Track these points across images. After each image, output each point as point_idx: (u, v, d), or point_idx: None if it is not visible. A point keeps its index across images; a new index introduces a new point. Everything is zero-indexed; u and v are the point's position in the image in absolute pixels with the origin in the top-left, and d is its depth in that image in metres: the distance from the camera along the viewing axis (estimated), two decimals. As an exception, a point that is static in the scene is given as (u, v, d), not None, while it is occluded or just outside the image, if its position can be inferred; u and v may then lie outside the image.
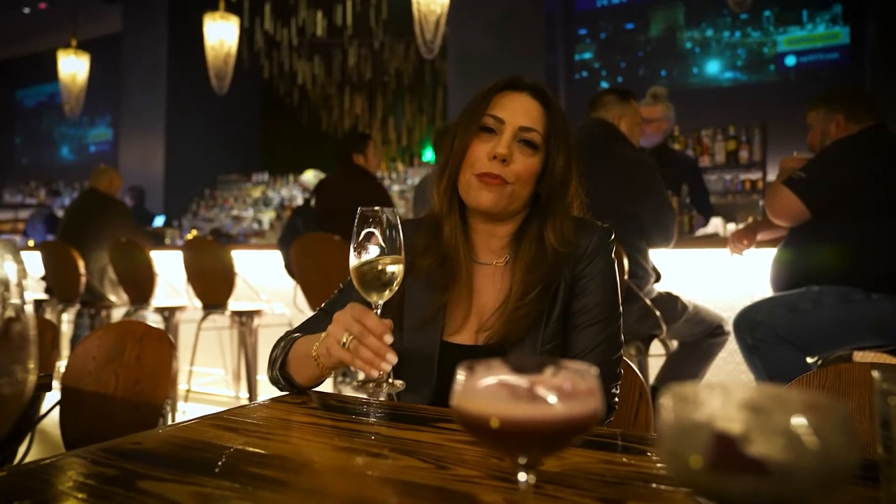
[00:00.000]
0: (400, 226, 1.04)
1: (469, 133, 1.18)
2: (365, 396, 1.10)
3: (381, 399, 1.03)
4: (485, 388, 0.47)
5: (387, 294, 1.04)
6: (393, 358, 0.97)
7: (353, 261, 1.03)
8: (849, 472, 0.36)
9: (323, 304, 1.28)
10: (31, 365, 0.50)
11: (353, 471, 0.78)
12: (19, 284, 0.49)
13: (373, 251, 1.02)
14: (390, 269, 1.03)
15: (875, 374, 0.59)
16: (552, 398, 0.45)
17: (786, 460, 0.34)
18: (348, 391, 3.71)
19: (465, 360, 0.51)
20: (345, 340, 0.99)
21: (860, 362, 2.03)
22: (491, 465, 0.76)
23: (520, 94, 1.20)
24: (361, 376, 1.03)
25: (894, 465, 0.55)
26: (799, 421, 0.34)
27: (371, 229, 1.03)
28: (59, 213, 7.36)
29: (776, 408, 0.35)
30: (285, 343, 1.15)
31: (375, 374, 0.98)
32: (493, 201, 1.15)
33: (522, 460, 0.48)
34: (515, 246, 1.22)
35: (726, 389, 0.39)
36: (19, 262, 0.49)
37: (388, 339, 0.97)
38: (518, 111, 1.18)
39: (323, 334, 1.04)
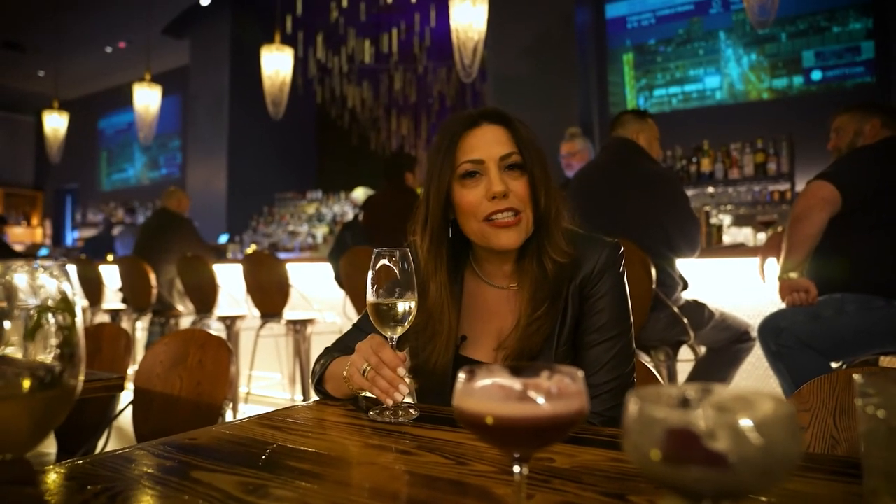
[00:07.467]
0: (413, 265, 1.06)
1: (451, 185, 1.15)
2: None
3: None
4: (481, 388, 0.50)
5: (399, 330, 1.06)
6: (405, 389, 1.02)
7: (370, 297, 1.05)
8: (790, 464, 0.38)
9: (356, 321, 1.32)
10: (81, 375, 0.55)
11: (380, 465, 0.82)
12: (72, 301, 0.54)
13: (388, 290, 1.04)
14: (402, 307, 1.04)
15: (856, 377, 0.61)
16: (540, 399, 0.48)
17: (732, 453, 0.36)
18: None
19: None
20: (365, 369, 1.04)
21: (877, 367, 1.98)
22: (506, 462, 0.78)
23: (480, 128, 1.16)
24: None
25: (868, 457, 0.57)
26: (745, 419, 0.37)
27: (387, 268, 1.04)
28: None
29: (725, 406, 0.38)
30: (325, 360, 1.20)
31: (390, 402, 1.02)
32: (516, 238, 1.13)
33: (516, 454, 0.51)
34: (520, 268, 1.19)
35: (683, 390, 0.41)
36: (69, 281, 0.54)
37: (402, 371, 1.02)
38: (490, 144, 1.14)
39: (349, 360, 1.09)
